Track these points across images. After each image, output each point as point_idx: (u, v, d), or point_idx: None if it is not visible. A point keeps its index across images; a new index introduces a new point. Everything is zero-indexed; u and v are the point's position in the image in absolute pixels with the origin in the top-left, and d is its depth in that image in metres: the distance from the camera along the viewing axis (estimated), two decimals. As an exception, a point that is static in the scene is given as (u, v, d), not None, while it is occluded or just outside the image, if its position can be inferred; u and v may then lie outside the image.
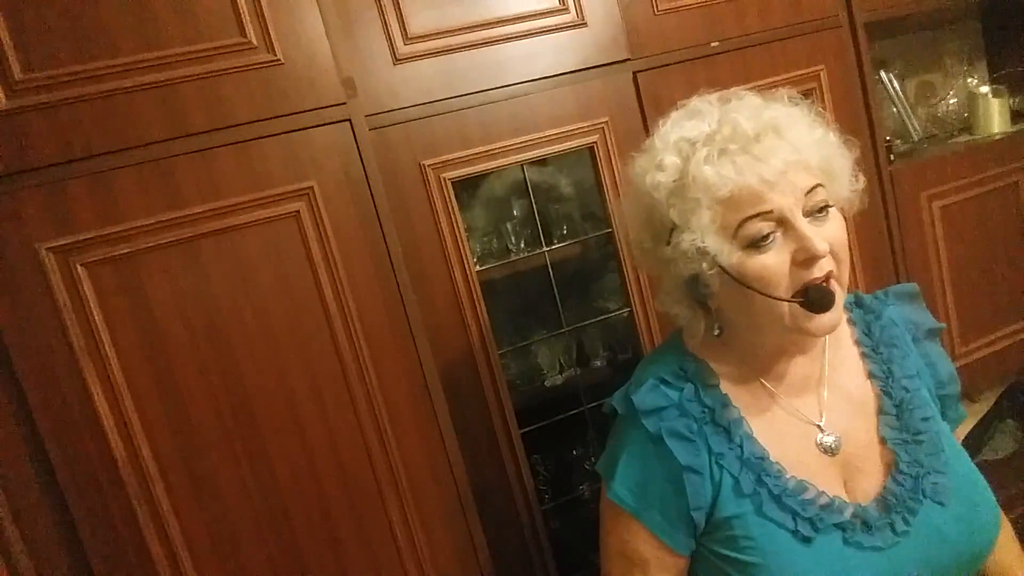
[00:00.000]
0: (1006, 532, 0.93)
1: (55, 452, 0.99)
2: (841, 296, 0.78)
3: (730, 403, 0.84)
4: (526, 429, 1.28)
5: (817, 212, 0.76)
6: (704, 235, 0.76)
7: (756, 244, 0.75)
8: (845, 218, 0.82)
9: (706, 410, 0.84)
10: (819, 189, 0.76)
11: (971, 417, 1.91)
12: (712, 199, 0.75)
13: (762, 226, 0.74)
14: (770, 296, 0.76)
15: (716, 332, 0.87)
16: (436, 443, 1.18)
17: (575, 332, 1.38)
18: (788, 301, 0.76)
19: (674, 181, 0.78)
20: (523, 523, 1.27)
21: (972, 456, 1.89)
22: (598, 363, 1.45)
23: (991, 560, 0.88)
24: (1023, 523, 1.61)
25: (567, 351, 1.41)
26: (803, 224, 0.74)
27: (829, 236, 0.76)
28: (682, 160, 0.78)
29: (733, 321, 0.85)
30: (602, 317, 1.40)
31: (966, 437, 1.89)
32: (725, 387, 0.86)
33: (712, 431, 0.83)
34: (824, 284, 0.75)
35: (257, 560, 1.09)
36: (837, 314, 0.77)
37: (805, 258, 0.74)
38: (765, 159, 0.74)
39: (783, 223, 0.75)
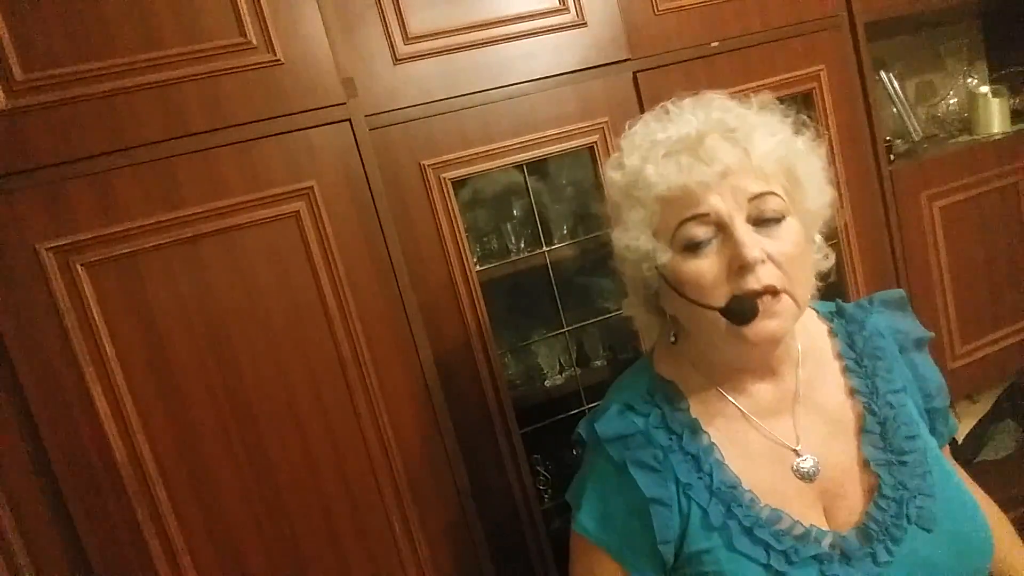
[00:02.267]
0: (1009, 533, 0.90)
1: (55, 452, 0.99)
2: (792, 311, 0.73)
3: (700, 428, 0.80)
4: (526, 429, 1.28)
5: (765, 220, 0.72)
6: (639, 233, 0.76)
7: (691, 248, 0.73)
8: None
9: (674, 437, 0.79)
10: (770, 197, 0.72)
11: (971, 417, 1.92)
12: (651, 198, 0.74)
13: (698, 230, 0.72)
14: (695, 302, 0.74)
15: (672, 339, 0.84)
16: (436, 443, 1.18)
17: (575, 332, 1.38)
18: (707, 308, 0.73)
19: (628, 180, 0.77)
20: (523, 523, 1.27)
21: (972, 456, 1.90)
22: (598, 363, 1.45)
23: (998, 561, 0.84)
24: (1023, 523, 1.61)
25: (567, 351, 1.41)
26: (740, 229, 0.71)
27: (776, 248, 0.72)
28: (641, 161, 0.76)
29: (687, 330, 0.82)
30: (602, 317, 1.39)
31: (966, 437, 1.89)
32: (695, 411, 0.81)
33: (680, 459, 0.78)
34: (753, 297, 0.71)
35: (257, 560, 1.09)
36: (777, 323, 0.72)
37: (739, 265, 0.71)
38: (707, 160, 0.71)
39: (722, 228, 0.72)
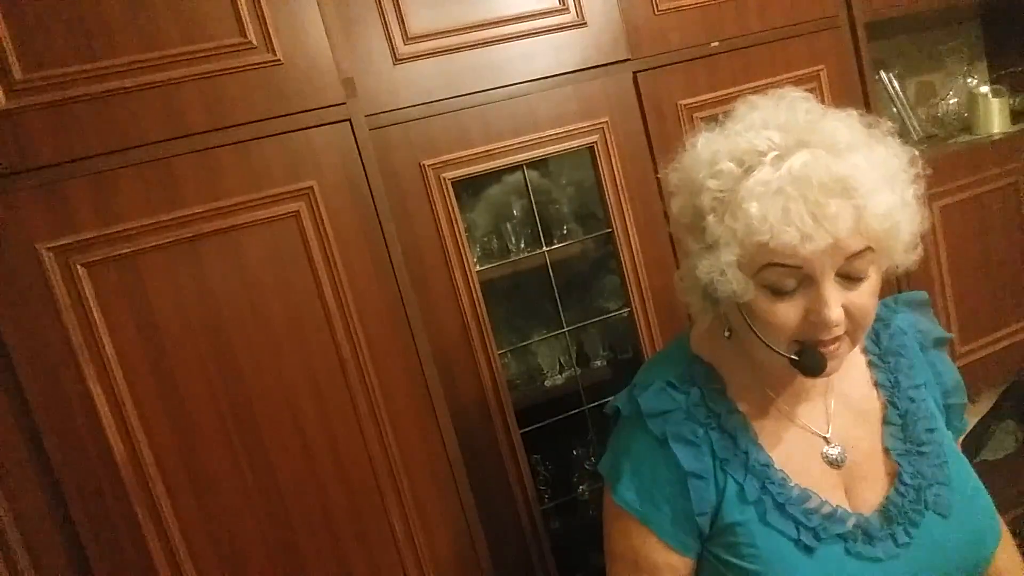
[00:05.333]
0: (1005, 538, 0.92)
1: (55, 452, 0.99)
2: (846, 351, 0.75)
3: (736, 410, 0.83)
4: (526, 429, 1.28)
5: (852, 275, 0.71)
6: (728, 269, 0.72)
7: (774, 290, 0.72)
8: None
9: (712, 415, 0.82)
10: (867, 253, 0.70)
11: (971, 417, 1.92)
12: (751, 241, 0.69)
13: (786, 280, 0.71)
14: (765, 343, 0.74)
15: (727, 334, 0.83)
16: (436, 443, 1.18)
17: (575, 332, 1.38)
18: (780, 355, 0.74)
19: (722, 191, 0.72)
20: (523, 523, 1.27)
21: (972, 456, 1.90)
22: (598, 363, 1.45)
23: (991, 568, 0.88)
24: (1023, 523, 1.61)
25: (567, 351, 1.41)
26: (828, 288, 0.69)
27: (855, 302, 0.71)
28: (740, 170, 0.71)
29: (738, 334, 0.82)
30: (602, 317, 1.40)
31: (966, 437, 1.89)
32: (732, 393, 0.84)
33: (718, 437, 0.82)
34: (821, 349, 0.72)
35: (257, 560, 1.09)
36: (836, 363, 0.75)
37: (816, 320, 0.71)
38: (820, 220, 0.66)
39: (809, 278, 0.70)
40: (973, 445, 1.90)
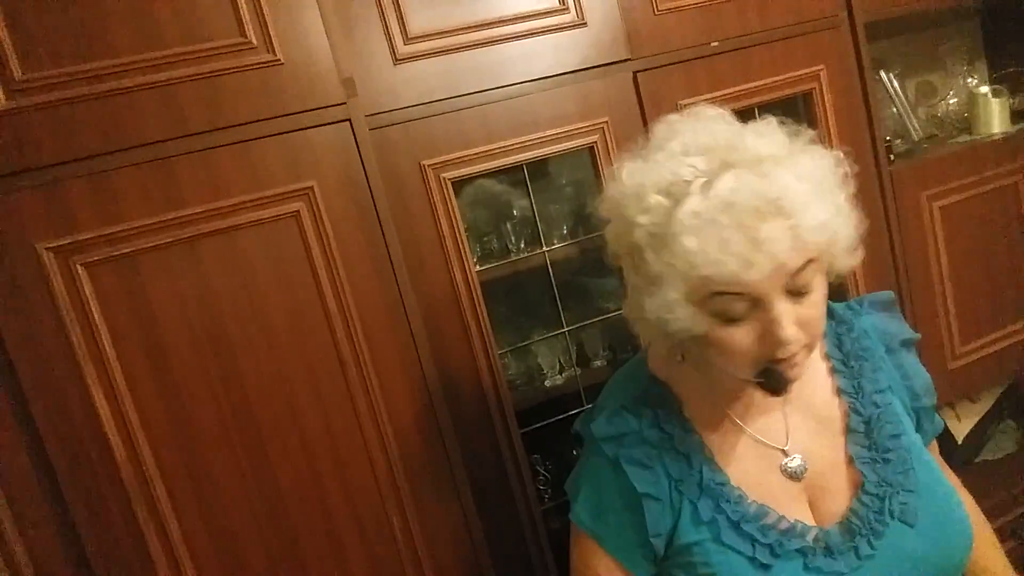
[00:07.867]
0: (989, 539, 0.91)
1: (55, 452, 0.99)
2: (805, 359, 0.73)
3: (691, 429, 0.82)
4: (526, 429, 1.28)
5: (799, 290, 0.69)
6: (675, 306, 0.70)
7: (725, 318, 0.70)
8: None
9: (666, 437, 0.81)
10: (809, 265, 0.68)
11: (971, 417, 1.92)
12: (694, 275, 0.67)
13: (735, 306, 0.69)
14: (726, 370, 0.74)
15: (679, 359, 0.84)
16: (436, 443, 1.18)
17: (575, 332, 1.38)
18: (744, 379, 0.74)
19: (655, 225, 0.69)
20: (523, 523, 1.27)
21: (972, 456, 1.90)
22: (598, 363, 1.45)
23: (975, 568, 0.87)
24: (1023, 523, 1.61)
25: (567, 351, 1.41)
26: (779, 308, 0.68)
27: (806, 315, 0.70)
28: (669, 202, 0.68)
29: (694, 355, 0.82)
30: (602, 317, 1.39)
31: (966, 437, 1.89)
32: (688, 412, 0.83)
33: (672, 458, 0.81)
34: (781, 367, 0.71)
35: (257, 560, 1.09)
36: (797, 372, 0.73)
37: (772, 341, 0.69)
38: (759, 246, 0.64)
39: (758, 300, 0.68)
40: (973, 445, 1.89)
